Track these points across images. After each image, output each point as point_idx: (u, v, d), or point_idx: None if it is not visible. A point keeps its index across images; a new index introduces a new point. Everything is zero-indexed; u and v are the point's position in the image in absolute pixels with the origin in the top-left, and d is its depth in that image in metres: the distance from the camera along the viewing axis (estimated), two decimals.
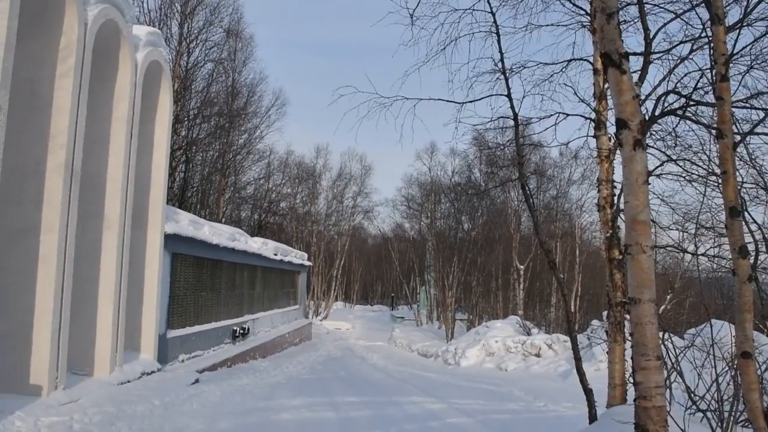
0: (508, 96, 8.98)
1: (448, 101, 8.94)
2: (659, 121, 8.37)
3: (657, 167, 8.84)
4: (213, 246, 18.41)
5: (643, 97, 8.24)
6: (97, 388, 11.08)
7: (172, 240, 15.43)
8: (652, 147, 8.99)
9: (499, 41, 8.95)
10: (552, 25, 9.79)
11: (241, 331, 21.69)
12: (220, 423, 9.88)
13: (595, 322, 24.16)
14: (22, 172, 10.11)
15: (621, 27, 4.81)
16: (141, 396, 11.03)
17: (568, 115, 9.70)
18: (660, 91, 8.26)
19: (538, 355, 23.03)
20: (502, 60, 8.92)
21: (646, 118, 7.53)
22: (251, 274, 24.24)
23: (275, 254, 26.81)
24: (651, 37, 7.76)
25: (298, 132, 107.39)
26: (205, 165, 36.08)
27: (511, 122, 9.43)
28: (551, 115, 9.73)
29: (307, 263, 35.69)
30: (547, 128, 10.83)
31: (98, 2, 11.17)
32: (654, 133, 9.20)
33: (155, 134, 14.95)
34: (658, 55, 8.59)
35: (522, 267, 37.49)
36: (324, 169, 55.18)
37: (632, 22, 8.76)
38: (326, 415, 11.04)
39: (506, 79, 8.98)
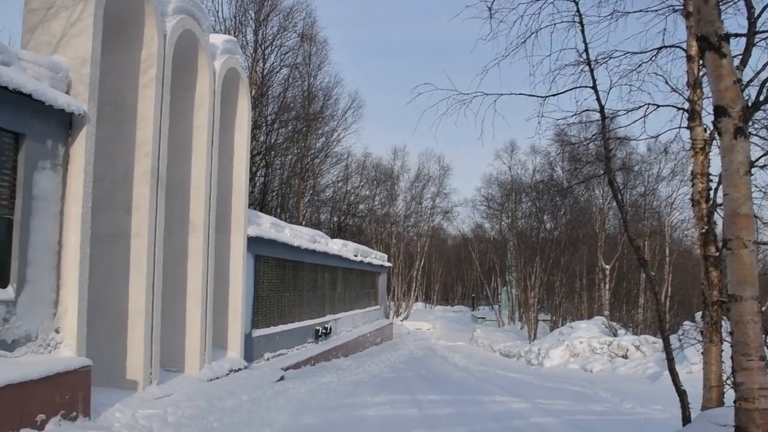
0: (594, 88, 8.70)
1: (529, 95, 8.71)
2: (762, 108, 7.87)
3: (759, 158, 8.29)
4: (294, 248, 18.86)
5: (744, 83, 7.72)
6: (188, 384, 11.58)
7: (254, 242, 15.92)
8: (755, 135, 8.48)
9: (582, 31, 8.62)
10: (640, 11, 9.24)
11: (324, 331, 22.09)
12: (305, 418, 10.12)
13: (687, 324, 23.30)
14: (112, 180, 10.70)
15: (720, 7, 4.46)
16: (229, 392, 11.45)
17: (658, 106, 9.34)
18: (764, 75, 7.70)
19: (625, 357, 22.46)
20: (586, 50, 8.58)
21: (748, 104, 7.09)
22: (332, 275, 24.65)
23: (355, 255, 27.17)
24: (756, 15, 7.15)
25: (375, 134, 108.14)
26: (284, 169, 36.88)
27: (596, 116, 9.12)
28: (640, 106, 9.40)
29: (387, 264, 35.97)
30: (635, 121, 10.38)
31: (176, 13, 11.65)
32: (756, 121, 8.64)
33: (235, 140, 15.48)
34: (763, 36, 7.83)
35: (608, 267, 36.55)
36: (402, 170, 55.44)
37: (732, 2, 8.20)
38: (409, 412, 11.11)
39: (591, 71, 8.67)
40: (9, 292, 7.66)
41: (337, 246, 25.21)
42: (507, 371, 21.54)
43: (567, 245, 39.88)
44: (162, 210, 11.11)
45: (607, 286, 36.66)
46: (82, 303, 8.63)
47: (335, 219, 45.79)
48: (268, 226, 17.43)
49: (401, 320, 47.11)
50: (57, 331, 8.39)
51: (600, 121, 9.10)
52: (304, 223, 36.39)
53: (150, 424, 8.67)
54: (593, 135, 14.60)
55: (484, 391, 14.79)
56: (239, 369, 14.07)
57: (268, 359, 16.68)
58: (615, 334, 25.51)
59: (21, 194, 7.87)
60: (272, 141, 34.03)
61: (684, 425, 7.69)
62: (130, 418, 8.91)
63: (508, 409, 12.01)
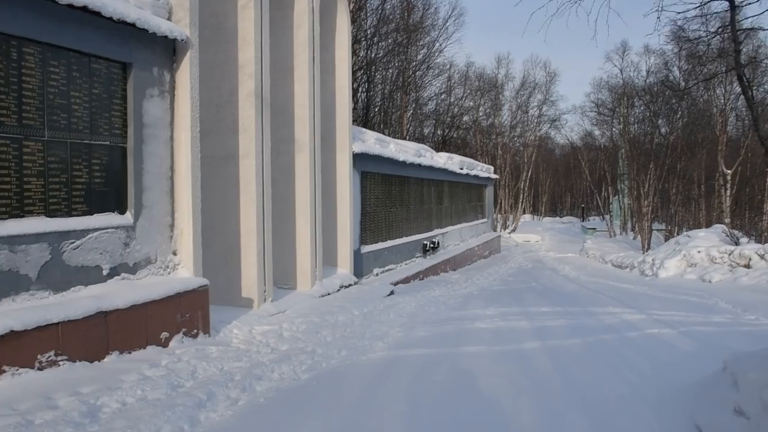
0: None
1: None
2: None
3: None
4: (400, 163, 18.74)
5: None
6: (301, 300, 11.91)
7: (360, 159, 15.90)
8: None
9: None
10: None
11: (431, 245, 22.14)
12: (417, 331, 10.13)
13: None
14: (218, 103, 10.80)
15: None
16: (341, 307, 11.67)
17: None
18: None
19: (747, 266, 21.23)
20: None
21: None
22: (438, 189, 24.48)
23: (461, 168, 26.80)
24: None
25: (478, 42, 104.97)
26: (385, 84, 36.48)
27: (720, 6, 8.36)
28: None
29: (494, 176, 35.38)
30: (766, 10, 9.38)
31: None
32: None
33: (336, 56, 15.27)
34: None
35: (729, 172, 34.37)
36: (506, 78, 53.93)
37: None
38: (521, 324, 10.96)
39: None
40: (128, 218, 7.96)
41: (443, 159, 24.89)
42: (620, 282, 20.93)
43: (684, 150, 37.72)
44: (268, 130, 11.17)
45: (728, 193, 34.59)
46: (196, 225, 8.88)
47: (439, 132, 45.23)
48: (372, 141, 17.34)
49: (509, 233, 46.70)
50: (174, 253, 8.71)
51: (728, 11, 8.25)
52: (408, 137, 36.15)
53: (266, 340, 8.96)
54: (718, 28, 13.34)
55: (597, 303, 14.38)
56: (349, 285, 14.34)
57: (377, 275, 16.92)
58: (736, 243, 24.14)
59: (132, 123, 8.04)
60: (373, 55, 33.56)
61: None
62: (248, 334, 9.26)
63: (622, 320, 11.61)
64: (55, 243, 6.88)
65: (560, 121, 61.37)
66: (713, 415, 5.21)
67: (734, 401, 5.07)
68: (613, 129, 49.34)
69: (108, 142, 7.77)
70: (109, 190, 7.78)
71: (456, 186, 27.43)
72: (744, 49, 32.42)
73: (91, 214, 7.48)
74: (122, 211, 7.95)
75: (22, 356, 6.09)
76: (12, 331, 5.95)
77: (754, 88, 34.83)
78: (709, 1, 8.65)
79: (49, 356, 6.38)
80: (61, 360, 6.52)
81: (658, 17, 8.35)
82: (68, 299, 6.88)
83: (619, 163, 48.19)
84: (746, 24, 21.77)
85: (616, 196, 51.56)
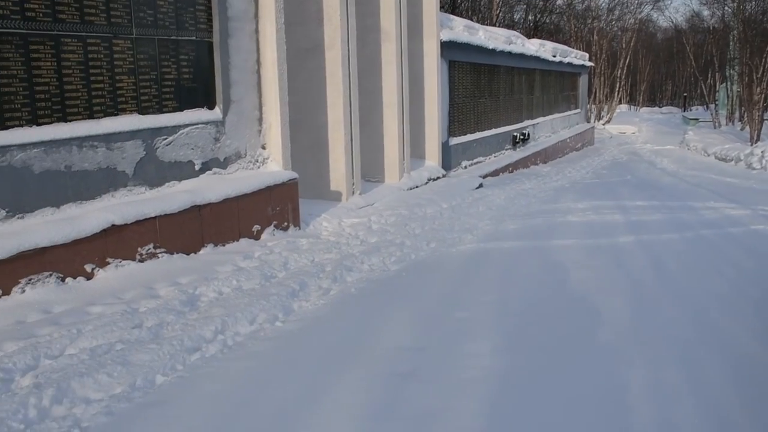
0: None
1: None
2: None
3: None
4: (489, 51, 18.04)
5: None
6: (389, 193, 11.93)
7: (448, 47, 15.40)
8: None
9: None
10: None
11: (522, 137, 21.61)
12: (507, 224, 10.03)
13: None
14: None
15: None
16: (429, 200, 11.63)
17: None
18: None
19: None
20: None
21: None
22: (529, 78, 23.59)
23: (553, 56, 25.63)
24: None
25: None
26: None
27: None
28: None
29: (588, 64, 33.73)
30: None
31: None
32: None
33: None
34: None
35: None
36: None
37: None
38: (614, 218, 10.70)
39: None
40: (217, 113, 8.03)
41: (534, 46, 23.82)
42: (723, 176, 19.85)
43: None
44: (353, 19, 10.88)
45: None
46: (284, 119, 8.89)
47: (531, 18, 43.23)
48: (461, 29, 16.71)
49: (603, 124, 44.92)
50: (263, 147, 8.80)
51: None
52: (497, 24, 34.72)
53: (355, 232, 9.06)
54: None
55: (697, 197, 13.83)
56: (437, 177, 14.24)
57: (465, 167, 16.73)
58: None
59: (217, 16, 7.95)
60: None
61: None
62: (337, 226, 9.39)
63: (724, 215, 11.16)
64: (148, 139, 7.05)
65: (663, 1, 57.44)
66: None
67: None
68: (725, 8, 45.71)
69: (194, 37, 7.75)
70: (197, 86, 7.84)
71: (548, 75, 26.36)
72: None
73: (182, 111, 7.58)
74: (211, 107, 8.02)
75: (124, 249, 6.39)
76: (113, 225, 6.23)
77: None
78: None
79: (149, 249, 6.68)
80: (160, 252, 6.81)
81: None
82: (163, 194, 7.11)
83: (730, 47, 44.86)
84: None
85: (724, 84, 48.34)
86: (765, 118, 34.22)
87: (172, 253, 6.93)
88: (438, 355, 4.75)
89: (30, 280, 5.53)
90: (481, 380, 4.30)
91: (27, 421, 3.67)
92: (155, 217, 6.69)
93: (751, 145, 28.67)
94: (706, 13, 53.48)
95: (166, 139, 7.26)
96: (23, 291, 5.48)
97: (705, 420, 3.78)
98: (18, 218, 5.76)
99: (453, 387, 4.20)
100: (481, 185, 14.44)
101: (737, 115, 41.98)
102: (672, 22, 64.01)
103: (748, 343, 5.01)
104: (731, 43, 43.35)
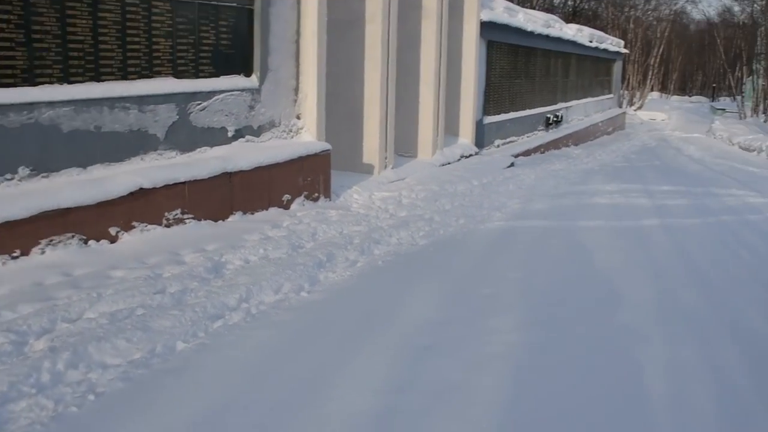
0: None
1: None
2: None
3: None
4: (527, 33, 17.28)
5: None
6: (422, 168, 11.42)
7: (487, 28, 14.71)
8: None
9: None
10: None
11: (555, 119, 20.88)
12: (535, 204, 9.73)
13: None
14: None
15: None
16: (460, 177, 11.14)
17: None
18: None
19: None
20: None
21: None
22: (565, 61, 22.73)
23: (590, 41, 24.66)
24: None
25: None
26: None
27: None
28: None
29: (623, 51, 32.51)
30: None
31: None
32: None
33: None
34: None
35: None
36: None
37: None
38: (640, 201, 10.48)
39: None
40: (253, 81, 7.57)
41: (572, 31, 22.92)
42: (746, 165, 19.28)
43: None
44: None
45: None
46: (321, 90, 8.41)
47: (570, 3, 41.83)
48: (501, 10, 15.99)
49: (635, 110, 43.54)
50: (298, 117, 8.32)
51: None
52: (537, 7, 33.57)
53: (385, 206, 8.64)
54: None
55: (720, 184, 13.63)
56: (470, 155, 13.67)
57: (498, 146, 16.12)
58: None
59: None
60: None
61: None
62: (367, 199, 8.94)
63: (746, 203, 11.04)
64: (182, 104, 6.62)
65: None
66: None
67: None
68: (755, 4, 43.88)
69: (235, 4, 7.29)
70: (235, 53, 7.38)
71: (584, 59, 25.42)
72: None
73: (218, 76, 7.13)
74: (248, 74, 7.56)
75: (151, 213, 6.00)
76: (141, 189, 5.83)
77: None
78: None
79: (176, 214, 6.28)
80: (187, 218, 6.41)
81: None
82: (194, 159, 6.68)
83: (758, 42, 43.13)
84: None
85: (751, 76, 46.55)
86: None
87: (200, 220, 6.52)
88: (461, 330, 4.57)
89: (51, 241, 5.15)
90: (503, 355, 4.17)
91: (39, 385, 3.37)
92: (184, 182, 6.28)
93: None
94: (736, 8, 51.59)
95: (200, 104, 6.82)
96: (43, 252, 5.10)
97: (718, 396, 3.75)
98: (42, 177, 5.35)
99: (474, 361, 4.05)
100: (512, 164, 13.89)
101: (762, 107, 40.48)
102: (705, 16, 61.90)
103: (762, 324, 5.02)
104: (759, 39, 41.78)
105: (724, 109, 45.78)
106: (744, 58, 48.14)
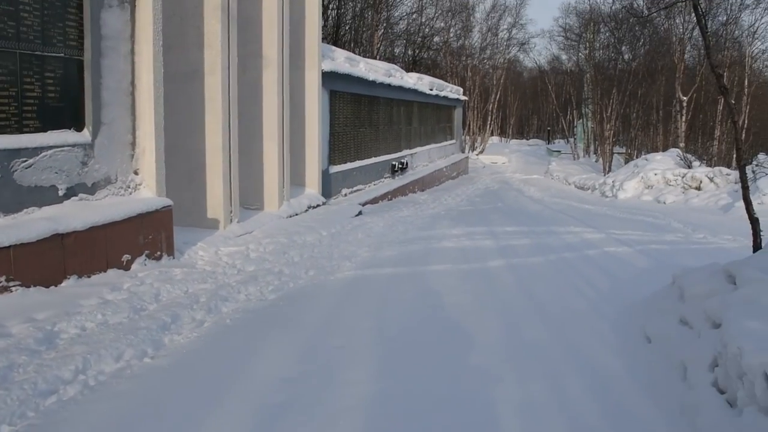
0: None
1: None
2: None
3: None
4: (369, 82, 18.04)
5: None
6: (268, 221, 11.49)
7: (329, 77, 15.20)
8: None
9: None
10: None
11: (400, 166, 21.73)
12: (385, 251, 10.01)
13: (762, 155, 22.31)
14: (182, 16, 10.02)
15: None
16: (309, 227, 11.31)
17: None
18: None
19: (698, 188, 21.54)
20: None
21: None
22: (408, 109, 23.86)
23: (431, 89, 26.11)
24: None
25: None
26: (357, 1, 35.02)
27: None
28: None
29: (463, 98, 34.68)
30: None
31: None
32: None
33: None
34: None
35: (685, 98, 34.28)
36: (478, 0, 52.12)
37: None
38: (486, 243, 11.03)
39: None
40: (85, 135, 7.34)
41: (413, 80, 24.17)
42: (582, 203, 21.11)
43: (644, 77, 37.35)
44: (234, 46, 10.46)
45: (684, 118, 34.66)
46: (159, 143, 8.30)
47: (410, 53, 43.94)
48: (342, 60, 16.59)
49: (477, 154, 46.27)
50: (136, 173, 8.15)
51: None
52: (378, 57, 35.02)
53: (233, 261, 8.59)
54: None
55: (559, 223, 14.65)
56: (318, 205, 13.93)
57: (345, 195, 16.53)
58: (689, 166, 24.36)
59: (90, 34, 7.29)
60: None
61: (754, 252, 7.25)
62: (213, 255, 8.86)
63: (583, 239, 11.89)
64: (4, 161, 6.29)
65: (529, 44, 60.37)
66: (661, 326, 5.51)
67: (680, 312, 5.36)
68: (580, 54, 48.60)
69: (63, 54, 7.07)
70: (64, 106, 7.13)
71: (425, 107, 26.81)
72: None
73: (45, 131, 6.83)
74: (79, 128, 7.32)
75: None
76: None
77: (710, 18, 34.43)
78: None
79: (1, 282, 5.91)
80: (14, 285, 6.04)
81: None
82: (21, 221, 6.33)
83: (585, 88, 47.71)
84: None
85: (581, 120, 51.24)
86: (615, 151, 36.48)
87: (28, 286, 6.17)
88: (315, 384, 4.66)
89: None
90: (357, 407, 4.28)
91: None
92: (9, 247, 5.94)
93: (604, 175, 30.47)
94: (564, 57, 56.76)
95: (25, 161, 6.52)
96: None
97: (568, 428, 4.00)
98: None
99: (328, 416, 4.14)
100: (360, 213, 14.28)
101: (592, 148, 44.57)
102: (536, 64, 67.33)
103: (600, 353, 5.39)
104: (585, 85, 46.24)
105: (559, 151, 49.85)
106: (574, 102, 52.83)
